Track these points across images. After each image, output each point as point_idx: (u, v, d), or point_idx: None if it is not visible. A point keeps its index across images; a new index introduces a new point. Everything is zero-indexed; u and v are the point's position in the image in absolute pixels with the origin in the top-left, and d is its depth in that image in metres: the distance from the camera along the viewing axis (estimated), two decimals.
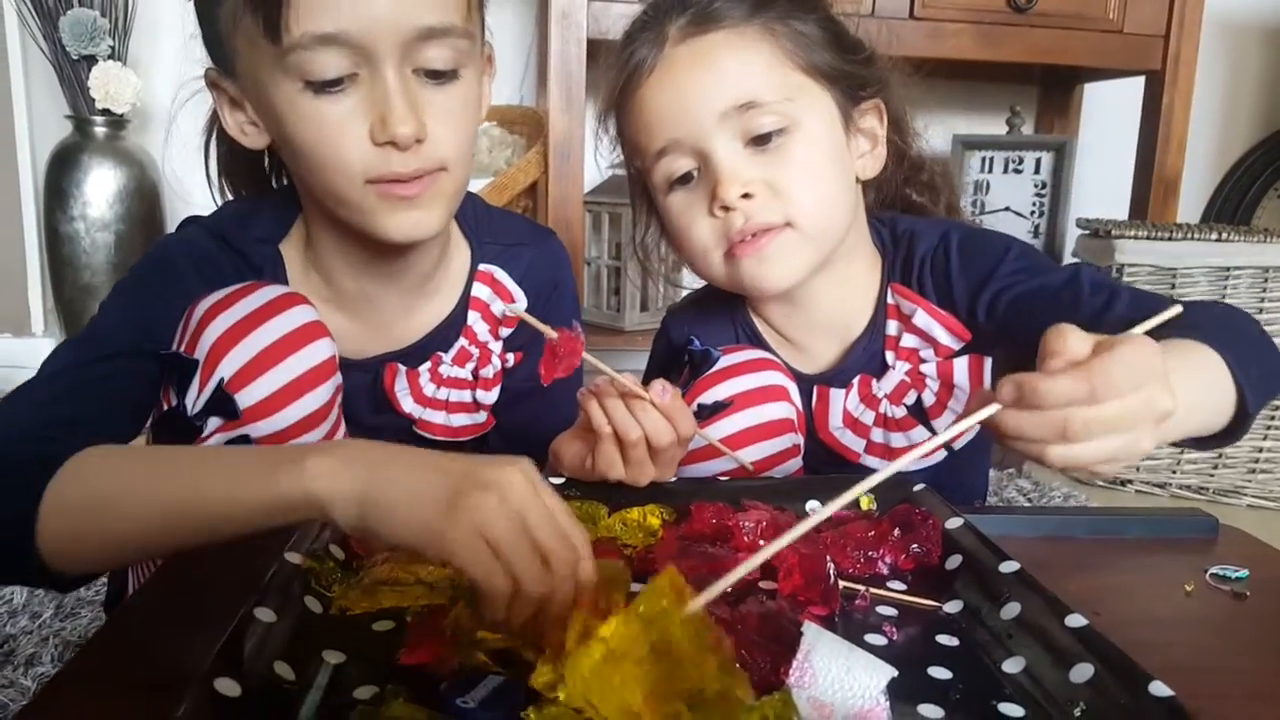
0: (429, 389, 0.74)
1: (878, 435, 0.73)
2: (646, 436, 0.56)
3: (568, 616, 0.38)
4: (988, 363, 0.71)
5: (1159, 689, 0.35)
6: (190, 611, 0.48)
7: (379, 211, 0.62)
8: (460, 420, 0.75)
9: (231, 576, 0.45)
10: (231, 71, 0.63)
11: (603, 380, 0.57)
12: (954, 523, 0.53)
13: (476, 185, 1.32)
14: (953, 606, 0.47)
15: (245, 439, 0.59)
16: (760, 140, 0.66)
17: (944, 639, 0.44)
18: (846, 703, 0.37)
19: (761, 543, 0.52)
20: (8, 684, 0.84)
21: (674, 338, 0.78)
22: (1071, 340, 0.41)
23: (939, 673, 0.41)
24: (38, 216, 1.75)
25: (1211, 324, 0.54)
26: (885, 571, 0.51)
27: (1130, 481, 1.50)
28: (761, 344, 0.76)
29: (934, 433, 0.71)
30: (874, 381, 0.73)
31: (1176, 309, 0.49)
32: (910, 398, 0.72)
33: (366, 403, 0.73)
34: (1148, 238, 1.42)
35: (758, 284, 0.69)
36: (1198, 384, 0.50)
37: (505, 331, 0.77)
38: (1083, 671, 0.38)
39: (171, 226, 0.73)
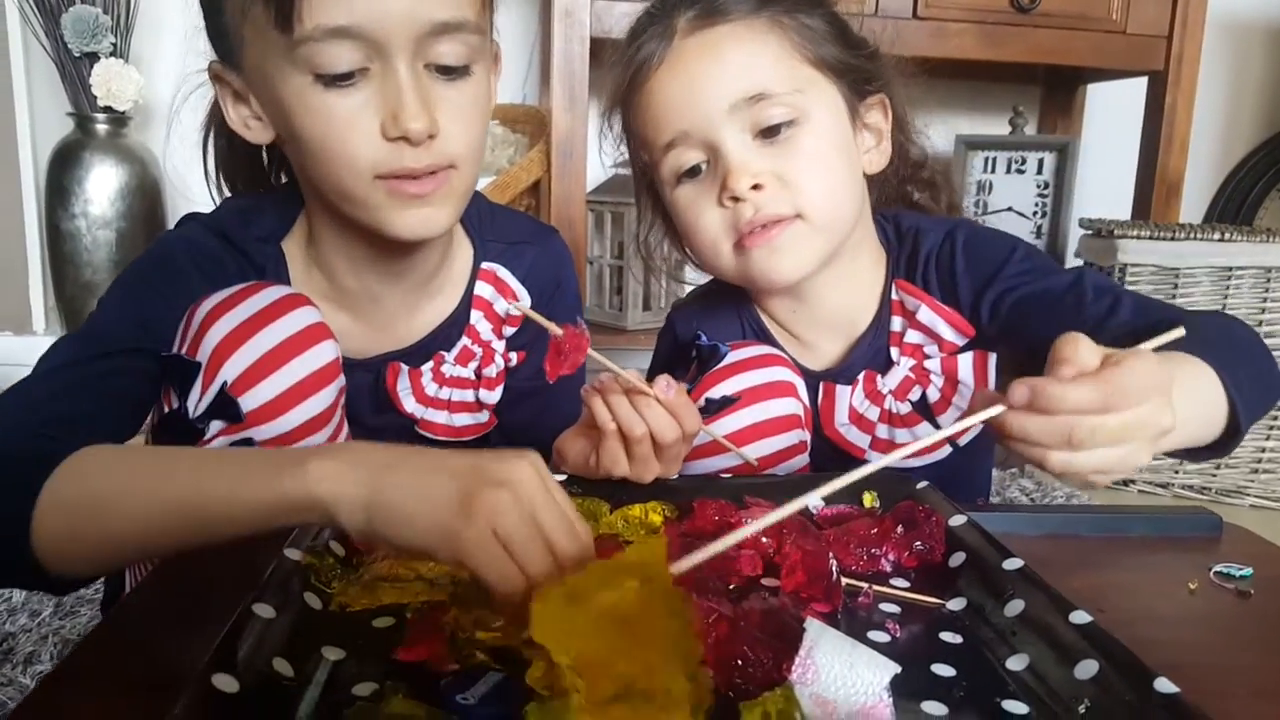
0: (431, 388, 0.73)
1: (883, 431, 0.72)
2: (651, 433, 0.55)
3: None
4: (992, 359, 0.71)
5: (1164, 685, 0.35)
6: (188, 609, 0.48)
7: (387, 208, 0.61)
8: (463, 420, 0.75)
9: (230, 574, 0.45)
10: (236, 64, 0.62)
11: (607, 377, 0.57)
12: (957, 520, 0.52)
13: (479, 184, 1.32)
14: (956, 604, 0.47)
15: (248, 442, 0.58)
16: (769, 132, 0.66)
17: (947, 636, 0.44)
18: (849, 699, 0.36)
19: (764, 540, 0.51)
20: (6, 682, 0.84)
21: (680, 333, 0.78)
22: (1083, 349, 0.41)
23: (942, 670, 0.41)
24: (39, 214, 1.75)
25: (1209, 337, 0.54)
26: (888, 569, 0.51)
27: (1133, 482, 1.50)
28: (768, 339, 0.76)
29: (939, 429, 0.71)
30: (879, 378, 0.73)
31: (1180, 330, 0.49)
32: (915, 394, 0.72)
33: (368, 403, 0.72)
34: (1150, 238, 1.42)
35: (768, 275, 0.68)
36: (1193, 399, 0.50)
37: (508, 330, 0.77)
38: (1087, 668, 0.38)
39: (173, 224, 0.72)
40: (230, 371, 0.57)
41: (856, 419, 0.73)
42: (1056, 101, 1.97)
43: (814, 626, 0.39)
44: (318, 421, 0.60)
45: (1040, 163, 1.85)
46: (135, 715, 0.38)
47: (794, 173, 0.66)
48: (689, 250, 0.77)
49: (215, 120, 0.72)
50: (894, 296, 0.74)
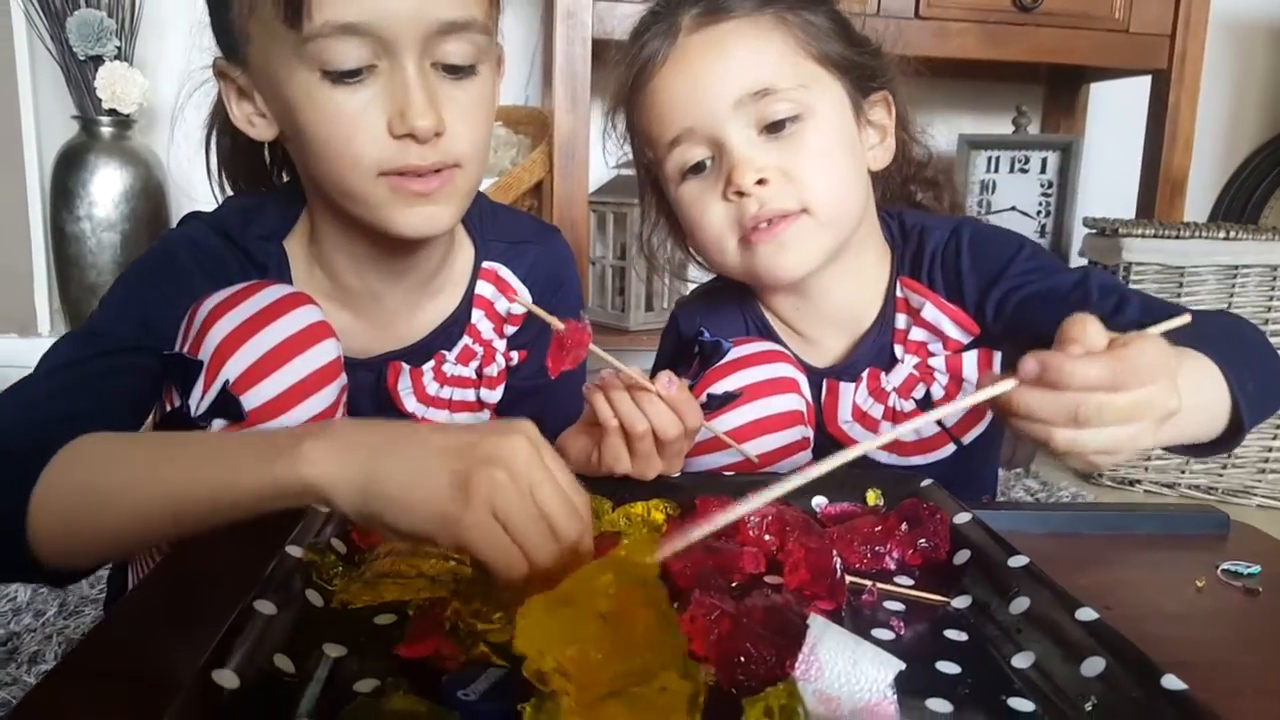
0: (432, 388, 0.73)
1: (886, 429, 0.72)
2: (653, 429, 0.55)
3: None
4: (997, 357, 0.70)
5: (1171, 682, 0.35)
6: (189, 607, 0.47)
7: (390, 205, 0.61)
8: (464, 419, 0.75)
9: (232, 572, 0.45)
10: (241, 60, 0.63)
11: (608, 373, 0.57)
12: (962, 518, 0.52)
13: (482, 185, 1.32)
14: (961, 601, 0.47)
15: None
16: (774, 127, 0.66)
17: (952, 634, 0.44)
18: (854, 696, 0.36)
19: (768, 537, 0.51)
20: (11, 681, 0.84)
21: (684, 329, 0.78)
22: (1091, 329, 0.42)
23: (947, 667, 0.40)
24: (44, 216, 1.76)
25: (1214, 335, 0.55)
26: (892, 567, 0.51)
27: (1139, 481, 1.49)
28: (771, 336, 0.76)
29: (943, 428, 0.71)
30: (883, 375, 0.73)
31: (1186, 317, 0.49)
32: (919, 391, 0.72)
33: (370, 402, 0.72)
34: (1155, 236, 1.41)
35: (773, 271, 0.68)
36: (1197, 391, 0.51)
37: (510, 329, 0.77)
38: (1094, 665, 0.37)
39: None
40: (232, 370, 0.57)
41: (860, 416, 0.73)
42: (1059, 101, 1.96)
43: (817, 623, 0.38)
44: (319, 419, 0.60)
45: (1044, 162, 1.84)
46: (136, 711, 0.37)
47: (799, 168, 0.66)
48: (693, 248, 0.77)
49: (219, 118, 0.72)
50: (898, 294, 0.74)
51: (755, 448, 0.64)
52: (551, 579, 0.39)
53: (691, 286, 0.87)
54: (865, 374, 0.73)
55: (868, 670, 0.37)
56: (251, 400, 0.58)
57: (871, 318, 0.74)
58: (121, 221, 1.65)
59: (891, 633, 0.44)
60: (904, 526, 0.52)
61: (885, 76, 0.73)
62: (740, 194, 0.66)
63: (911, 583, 0.49)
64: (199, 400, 0.58)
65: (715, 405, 0.65)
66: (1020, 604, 0.43)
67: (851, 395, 0.73)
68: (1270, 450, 1.44)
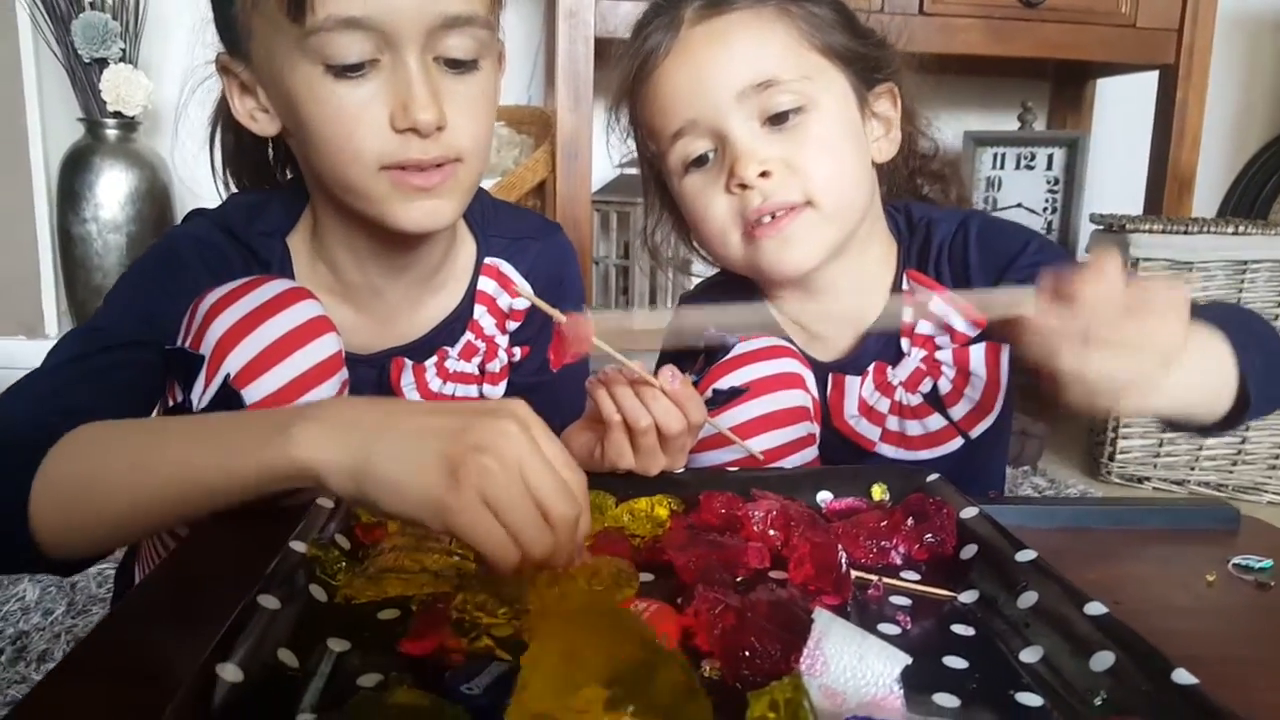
0: (435, 384, 0.73)
1: (893, 423, 0.72)
2: (656, 424, 0.55)
3: (567, 573, 0.37)
4: (1005, 350, 0.70)
5: (1182, 676, 0.34)
6: (193, 604, 0.47)
7: (391, 200, 0.61)
8: None
9: (236, 570, 0.44)
10: (245, 55, 0.63)
11: (612, 368, 0.57)
12: (969, 512, 0.52)
13: (485, 185, 1.33)
14: (968, 596, 0.46)
15: None
16: (777, 119, 0.66)
17: (959, 629, 0.43)
18: (860, 690, 0.36)
19: (772, 532, 0.51)
20: (20, 680, 0.84)
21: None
22: (1109, 261, 0.44)
23: (955, 662, 0.40)
24: (51, 219, 1.77)
25: (1221, 318, 0.55)
26: (899, 562, 0.50)
27: (1147, 479, 1.48)
28: (777, 333, 0.75)
29: (950, 421, 0.71)
30: (889, 369, 0.72)
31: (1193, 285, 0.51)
32: (926, 385, 0.71)
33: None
34: (1163, 231, 1.40)
35: (778, 266, 0.68)
36: (1203, 359, 0.52)
37: (512, 325, 0.77)
38: (1103, 659, 0.37)
39: None
40: (233, 364, 0.57)
41: (866, 411, 0.72)
42: (1066, 97, 1.95)
43: (823, 617, 0.38)
44: None
45: (1050, 158, 1.83)
46: (140, 705, 0.37)
47: (802, 159, 0.66)
48: (697, 242, 0.76)
49: (222, 115, 0.73)
50: (905, 287, 0.73)
51: (760, 444, 0.64)
52: (549, 562, 0.39)
53: (696, 281, 0.87)
54: (871, 368, 0.73)
55: (874, 664, 0.36)
56: (252, 394, 0.58)
57: (877, 312, 0.74)
58: (127, 223, 1.66)
59: (898, 628, 0.43)
60: (910, 521, 0.52)
61: (890, 68, 0.72)
62: (743, 186, 0.66)
63: (918, 578, 0.48)
64: (200, 395, 0.58)
65: (720, 401, 0.65)
66: (1028, 598, 0.43)
67: (857, 389, 0.72)
68: None
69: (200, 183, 0.79)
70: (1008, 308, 0.45)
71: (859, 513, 0.54)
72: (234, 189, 0.76)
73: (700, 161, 0.69)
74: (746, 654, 0.37)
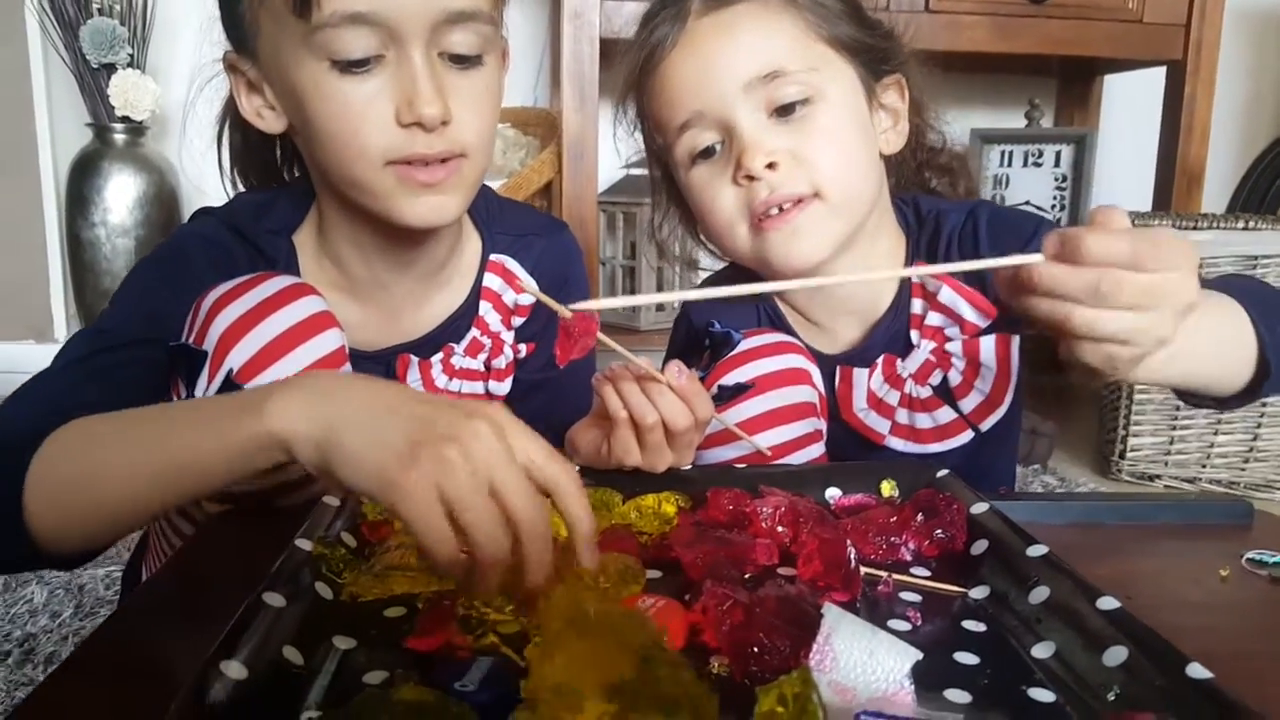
0: (440, 380, 0.73)
1: (902, 416, 0.71)
2: (663, 420, 0.55)
3: (549, 584, 0.36)
4: (1015, 341, 0.69)
5: (1196, 671, 0.34)
6: (198, 602, 0.47)
7: (397, 195, 0.61)
8: None
9: (242, 569, 0.44)
10: (251, 52, 0.63)
11: (618, 365, 0.56)
12: (979, 508, 0.51)
13: (491, 186, 1.33)
14: (979, 592, 0.46)
15: None
16: (784, 110, 0.66)
17: (970, 624, 0.43)
18: (869, 686, 0.35)
19: (780, 529, 0.51)
20: (28, 682, 0.84)
21: (695, 321, 0.77)
22: (1116, 215, 0.43)
23: (966, 658, 0.39)
24: (59, 223, 1.78)
25: (1239, 288, 0.55)
26: (909, 558, 0.50)
27: (1159, 476, 1.47)
28: (784, 326, 0.75)
29: (960, 413, 0.70)
30: (898, 361, 0.72)
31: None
32: (936, 377, 0.71)
33: None
34: (1173, 227, 1.39)
35: (786, 259, 0.67)
36: (1219, 326, 0.52)
37: (517, 321, 0.77)
38: (1116, 655, 0.36)
39: None
40: (236, 359, 0.57)
41: (875, 403, 0.72)
42: (1073, 93, 1.94)
43: (832, 612, 0.38)
44: None
45: (1057, 155, 1.82)
46: (144, 703, 0.37)
47: (810, 151, 0.66)
48: (704, 235, 0.76)
49: (229, 114, 0.73)
50: (915, 278, 0.73)
51: (767, 440, 0.64)
52: (512, 569, 0.38)
53: (703, 274, 0.87)
54: (880, 360, 0.72)
55: (884, 660, 0.36)
56: None
57: (886, 303, 0.73)
58: (136, 227, 1.67)
59: (908, 624, 0.43)
60: (920, 517, 0.51)
61: (898, 59, 0.72)
62: (750, 178, 0.66)
63: (928, 574, 0.48)
64: (204, 391, 0.58)
65: (726, 397, 0.64)
66: (1040, 594, 0.42)
67: (866, 381, 0.72)
68: None
69: (208, 185, 0.79)
70: (1016, 264, 0.45)
71: (868, 509, 0.54)
72: (241, 188, 0.76)
73: (707, 153, 0.68)
74: (755, 650, 0.37)
